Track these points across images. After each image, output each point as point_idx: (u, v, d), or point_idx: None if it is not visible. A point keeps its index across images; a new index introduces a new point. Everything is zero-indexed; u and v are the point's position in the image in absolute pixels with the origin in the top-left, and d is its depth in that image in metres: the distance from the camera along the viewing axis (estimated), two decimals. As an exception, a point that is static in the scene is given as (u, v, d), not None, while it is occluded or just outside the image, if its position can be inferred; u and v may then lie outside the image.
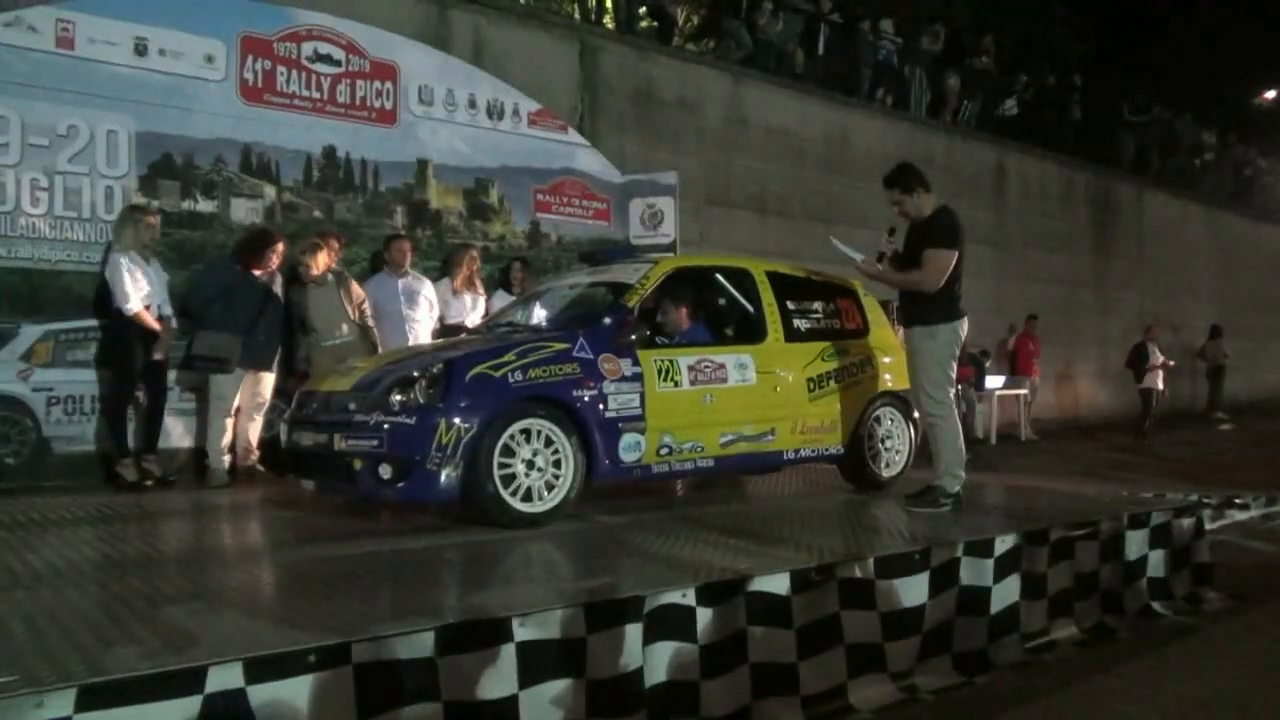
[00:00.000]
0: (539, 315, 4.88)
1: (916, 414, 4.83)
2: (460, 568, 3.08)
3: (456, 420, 3.60)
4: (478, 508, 3.72)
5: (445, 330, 6.15)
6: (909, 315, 4.35)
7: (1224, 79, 17.60)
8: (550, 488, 3.84)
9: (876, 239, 4.50)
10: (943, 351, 4.21)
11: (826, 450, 4.86)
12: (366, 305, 5.71)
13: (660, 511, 4.31)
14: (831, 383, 4.84)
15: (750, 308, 4.81)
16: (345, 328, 5.52)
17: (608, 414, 3.96)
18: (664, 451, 4.18)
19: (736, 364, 4.49)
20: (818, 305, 5.02)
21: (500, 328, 4.82)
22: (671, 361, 4.25)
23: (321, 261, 5.54)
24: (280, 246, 5.60)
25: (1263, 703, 2.86)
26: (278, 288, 5.60)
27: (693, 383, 4.29)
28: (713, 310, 4.98)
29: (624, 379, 4.05)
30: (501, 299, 6.43)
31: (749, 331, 4.75)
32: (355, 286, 5.70)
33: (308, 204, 6.48)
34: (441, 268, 6.72)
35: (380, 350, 5.45)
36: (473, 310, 6.42)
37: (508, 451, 3.73)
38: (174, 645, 2.05)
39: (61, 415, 5.39)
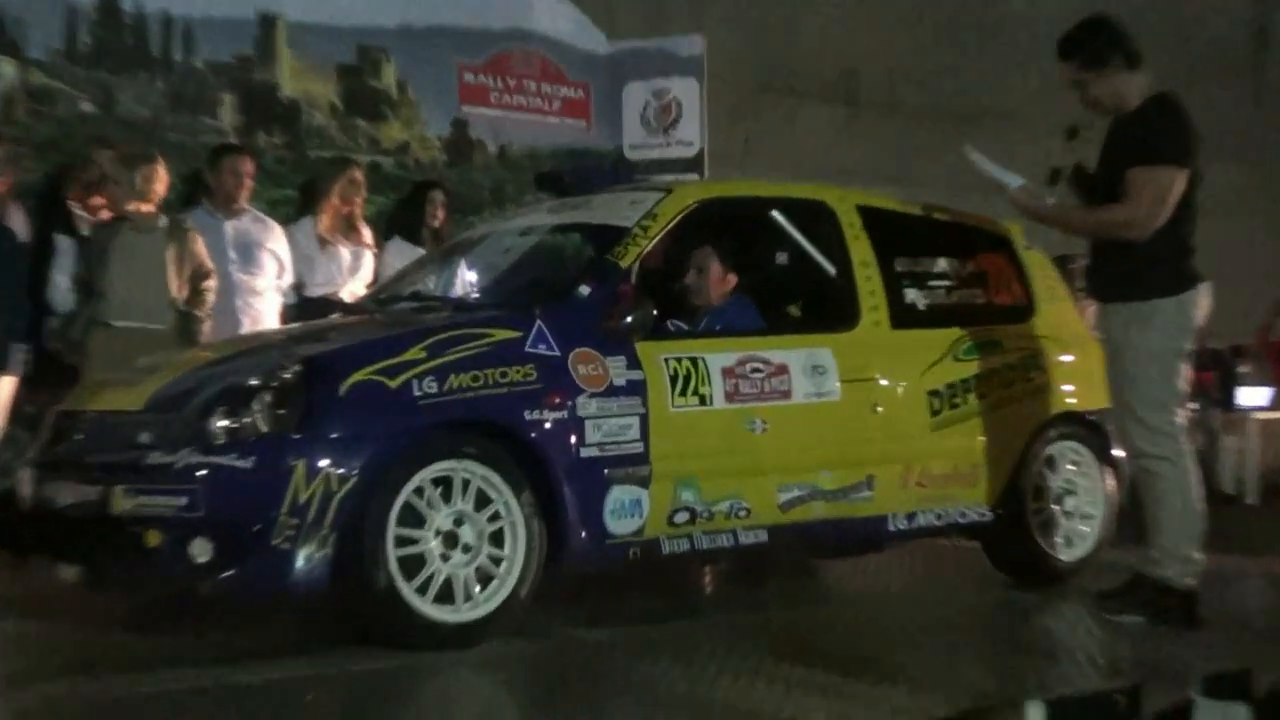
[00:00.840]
0: (467, 282, 4.92)
1: (1119, 452, 4.90)
2: (329, 717, 3.08)
3: (324, 463, 3.65)
4: (362, 612, 3.79)
5: (305, 306, 6.24)
6: (1105, 283, 4.41)
7: None
8: (487, 580, 3.89)
9: (1045, 149, 4.65)
10: (1165, 346, 4.26)
11: (963, 515, 4.96)
12: (213, 280, 5.90)
13: (676, 621, 4.38)
14: (970, 398, 4.92)
15: (831, 269, 4.89)
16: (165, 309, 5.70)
17: (585, 452, 4.05)
18: (681, 517, 4.26)
19: (807, 365, 4.55)
20: (946, 265, 5.13)
21: (400, 303, 4.84)
22: (695, 362, 4.32)
23: (152, 187, 5.73)
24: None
25: None
26: (15, 224, 5.59)
27: (732, 398, 4.36)
28: (766, 274, 5.03)
29: (613, 392, 4.13)
30: (402, 253, 6.51)
31: (829, 309, 4.80)
32: (199, 245, 5.90)
33: (71, 89, 6.41)
34: (300, 201, 6.78)
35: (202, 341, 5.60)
36: (353, 273, 6.55)
37: (413, 517, 3.78)
38: None
39: None
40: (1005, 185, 4.48)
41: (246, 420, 3.70)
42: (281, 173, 7.05)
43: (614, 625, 4.31)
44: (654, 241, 4.52)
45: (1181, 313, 4.29)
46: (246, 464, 3.64)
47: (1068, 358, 5.27)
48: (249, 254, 6.29)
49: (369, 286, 6.25)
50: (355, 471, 3.69)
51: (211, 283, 5.89)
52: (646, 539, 4.22)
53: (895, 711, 3.09)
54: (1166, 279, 4.27)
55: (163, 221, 5.80)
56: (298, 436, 3.69)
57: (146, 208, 5.74)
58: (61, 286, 5.75)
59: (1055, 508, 5.15)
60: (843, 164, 8.96)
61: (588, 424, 4.08)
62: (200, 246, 5.90)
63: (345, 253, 6.58)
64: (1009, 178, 4.48)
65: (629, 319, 4.22)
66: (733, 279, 4.92)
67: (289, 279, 6.43)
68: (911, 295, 5.00)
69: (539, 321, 4.13)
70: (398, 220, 6.97)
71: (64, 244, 5.81)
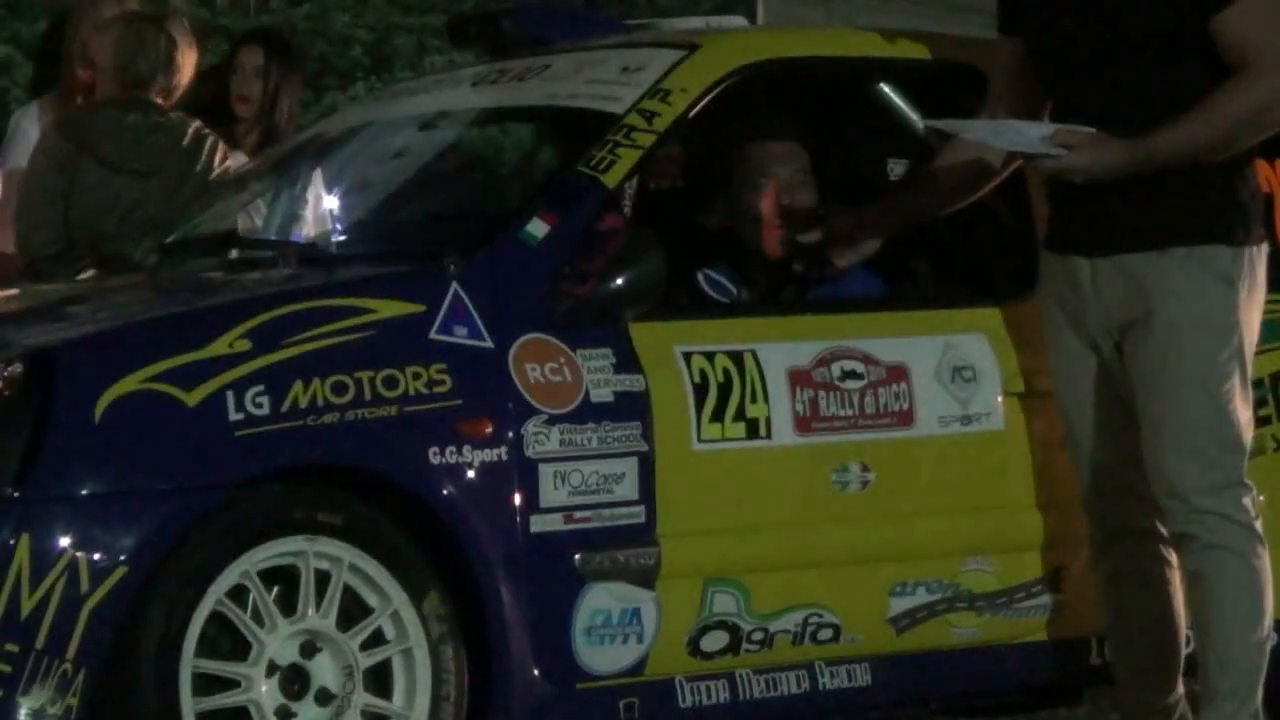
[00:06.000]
0: (323, 214, 4.13)
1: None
2: None
3: (64, 542, 3.06)
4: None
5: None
6: (1145, 224, 3.57)
7: None
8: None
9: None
10: (1239, 339, 3.58)
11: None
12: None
13: None
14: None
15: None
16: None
17: (539, 523, 3.35)
18: (715, 641, 3.52)
19: (943, 366, 3.80)
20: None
21: (203, 252, 4.12)
22: (739, 360, 3.59)
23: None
24: None
25: None
26: None
27: (806, 426, 3.61)
28: (869, 198, 4.14)
29: (591, 413, 3.41)
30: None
31: (983, 263, 4.07)
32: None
33: None
34: (36, 69, 5.74)
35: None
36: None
37: (226, 641, 3.16)
38: None
39: None
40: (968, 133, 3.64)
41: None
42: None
43: None
44: (664, 139, 3.71)
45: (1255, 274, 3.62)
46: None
47: None
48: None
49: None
50: (121, 558, 3.05)
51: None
52: (652, 680, 3.44)
53: None
54: (1234, 216, 3.56)
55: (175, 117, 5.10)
56: (15, 495, 3.02)
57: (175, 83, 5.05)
58: None
59: None
60: None
61: (545, 473, 3.32)
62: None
63: None
64: (1032, 130, 3.52)
65: (618, 280, 3.45)
66: (778, 198, 4.01)
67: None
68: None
69: (455, 286, 3.38)
70: (205, 103, 5.60)
71: None
